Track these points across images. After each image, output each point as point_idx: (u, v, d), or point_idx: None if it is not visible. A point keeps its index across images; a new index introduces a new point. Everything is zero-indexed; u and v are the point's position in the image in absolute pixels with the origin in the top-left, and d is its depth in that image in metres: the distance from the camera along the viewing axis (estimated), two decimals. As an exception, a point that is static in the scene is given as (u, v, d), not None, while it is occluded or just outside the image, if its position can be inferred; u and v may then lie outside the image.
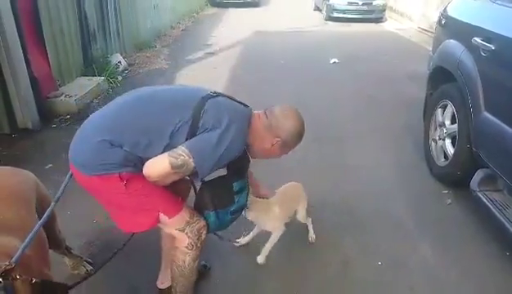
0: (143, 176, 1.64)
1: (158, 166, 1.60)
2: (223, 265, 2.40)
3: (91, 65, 5.75)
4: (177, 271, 1.87)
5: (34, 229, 1.48)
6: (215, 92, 1.79)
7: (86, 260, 2.33)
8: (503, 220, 2.32)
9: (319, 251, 2.52)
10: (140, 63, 7.11)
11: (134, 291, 2.22)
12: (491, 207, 2.45)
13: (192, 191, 2.00)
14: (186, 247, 1.79)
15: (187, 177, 1.82)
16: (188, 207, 1.82)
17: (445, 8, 3.59)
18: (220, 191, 1.86)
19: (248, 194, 2.03)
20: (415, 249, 2.56)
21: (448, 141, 3.17)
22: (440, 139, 3.28)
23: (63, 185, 1.75)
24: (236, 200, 1.91)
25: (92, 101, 5.04)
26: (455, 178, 3.07)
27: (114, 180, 1.59)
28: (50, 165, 3.48)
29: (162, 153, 1.61)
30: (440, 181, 3.24)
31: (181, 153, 1.58)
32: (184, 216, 1.76)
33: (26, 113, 4.15)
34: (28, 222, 1.50)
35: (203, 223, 1.82)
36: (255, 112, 1.85)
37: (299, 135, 1.85)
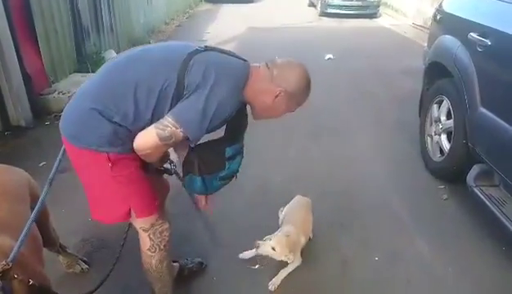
0: (130, 161, 1.59)
1: (146, 138, 1.52)
2: (220, 262, 2.38)
3: (84, 62, 5.68)
4: (148, 275, 1.85)
5: (27, 224, 1.45)
6: (206, 46, 1.63)
7: (81, 259, 2.31)
8: (499, 216, 2.32)
9: (316, 248, 2.51)
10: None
11: (128, 291, 2.21)
12: (487, 202, 2.45)
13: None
14: (149, 250, 1.77)
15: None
16: (158, 211, 1.76)
17: (440, 4, 3.59)
18: (210, 156, 1.73)
19: (241, 160, 1.85)
20: (411, 243, 2.56)
21: (444, 137, 3.17)
22: (436, 134, 3.28)
23: (57, 161, 1.68)
24: (227, 166, 1.77)
25: (85, 98, 4.99)
26: (451, 173, 3.07)
27: (101, 159, 1.54)
28: (43, 162, 3.44)
29: (151, 121, 1.53)
30: (436, 177, 3.24)
31: (168, 124, 1.49)
32: (152, 218, 1.72)
33: (19, 110, 4.11)
34: (22, 221, 1.47)
35: (166, 226, 1.78)
36: (254, 64, 1.67)
37: (306, 86, 1.67)
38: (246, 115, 1.78)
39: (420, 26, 10.24)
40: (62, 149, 1.68)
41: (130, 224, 1.92)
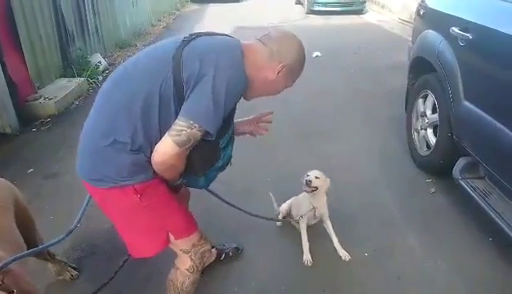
0: (157, 186, 1.54)
1: (164, 150, 1.42)
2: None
3: (70, 66, 5.66)
4: (172, 291, 1.80)
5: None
6: (191, 34, 1.55)
7: (70, 265, 2.29)
8: (485, 207, 2.35)
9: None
10: (120, 62, 7.00)
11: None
12: (473, 194, 2.48)
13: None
14: (187, 270, 1.73)
15: None
16: (199, 230, 1.73)
17: (423, -1, 3.61)
18: (207, 153, 1.64)
19: (233, 144, 1.81)
20: (400, 238, 2.58)
21: (430, 131, 3.20)
22: (422, 129, 3.31)
23: (81, 210, 1.74)
24: (222, 155, 1.72)
25: (72, 103, 4.97)
26: (437, 167, 3.10)
27: (128, 193, 1.49)
28: (31, 169, 3.41)
29: (160, 132, 1.44)
30: (423, 170, 3.27)
31: (182, 128, 1.39)
32: (192, 238, 1.69)
33: (4, 117, 4.08)
34: (5, 229, 1.46)
35: (208, 247, 1.75)
36: (245, 42, 1.62)
37: (303, 58, 1.65)
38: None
39: (407, 21, 10.30)
40: (88, 196, 1.70)
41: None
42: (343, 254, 2.41)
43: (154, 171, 1.49)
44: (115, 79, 1.56)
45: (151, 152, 1.46)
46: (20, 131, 4.22)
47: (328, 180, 2.42)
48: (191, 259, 1.70)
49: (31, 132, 4.25)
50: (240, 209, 2.26)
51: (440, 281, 2.26)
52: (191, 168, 1.63)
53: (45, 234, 2.16)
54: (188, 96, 1.42)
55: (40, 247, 1.68)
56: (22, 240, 1.63)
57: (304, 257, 2.38)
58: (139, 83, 1.46)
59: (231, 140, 1.77)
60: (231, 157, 1.81)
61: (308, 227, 2.47)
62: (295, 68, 1.63)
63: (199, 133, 1.42)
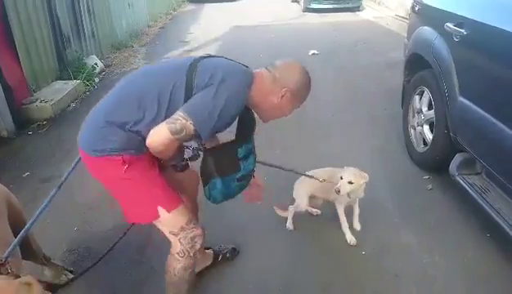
0: (144, 163, 1.66)
1: (158, 133, 1.57)
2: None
3: (66, 69, 5.63)
4: (167, 278, 1.83)
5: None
6: (209, 54, 1.77)
7: (66, 269, 2.28)
8: (482, 203, 2.35)
9: (301, 242, 2.53)
10: (117, 63, 7.01)
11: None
12: (470, 190, 2.48)
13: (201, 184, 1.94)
14: (178, 254, 1.75)
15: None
16: (188, 213, 1.77)
17: (418, -5, 3.61)
18: (224, 157, 1.81)
19: (255, 159, 1.97)
20: (398, 236, 2.58)
21: (426, 127, 3.20)
22: (418, 125, 3.30)
23: (71, 168, 1.81)
24: (242, 167, 1.86)
25: (68, 105, 4.95)
26: (434, 163, 3.10)
27: (116, 163, 1.60)
28: (27, 173, 3.41)
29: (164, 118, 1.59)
30: (420, 167, 3.27)
31: (178, 118, 1.55)
32: (180, 219, 1.72)
33: (0, 121, 4.06)
34: (-1, 233, 1.47)
35: (198, 232, 1.76)
36: (257, 70, 1.78)
37: (307, 83, 1.78)
38: (254, 117, 1.88)
39: (403, 18, 10.27)
40: (77, 158, 1.79)
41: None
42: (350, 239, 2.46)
43: (145, 148, 1.62)
44: (142, 72, 1.80)
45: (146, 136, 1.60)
46: (17, 135, 4.21)
47: (365, 175, 2.35)
48: (181, 243, 1.73)
49: (27, 135, 4.24)
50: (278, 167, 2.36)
51: (438, 277, 2.26)
52: (206, 168, 1.81)
53: (42, 238, 2.17)
54: (193, 96, 1.60)
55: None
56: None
57: (348, 238, 2.47)
58: (160, 79, 1.66)
59: (251, 154, 1.92)
60: (252, 170, 1.96)
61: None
62: (299, 91, 1.77)
63: (192, 127, 1.56)
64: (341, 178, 2.28)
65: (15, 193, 2.05)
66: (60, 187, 1.81)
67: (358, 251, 2.45)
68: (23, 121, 4.38)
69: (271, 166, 2.30)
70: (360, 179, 2.31)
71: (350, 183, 2.26)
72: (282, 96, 1.73)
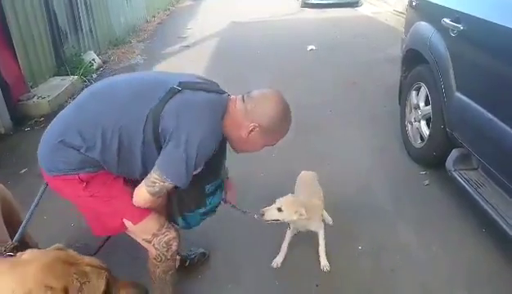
0: (104, 177, 1.60)
1: (140, 196, 1.58)
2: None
3: (63, 65, 5.62)
4: (152, 281, 1.84)
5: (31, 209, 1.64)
6: (180, 84, 1.59)
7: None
8: (478, 198, 2.35)
9: (298, 239, 2.52)
10: (115, 59, 7.00)
11: None
12: (466, 185, 2.48)
13: None
14: (155, 259, 1.75)
15: None
16: (158, 218, 1.72)
17: (415, -10, 3.59)
18: (189, 195, 1.74)
19: (222, 192, 1.89)
20: (394, 231, 2.59)
21: (423, 123, 3.20)
22: (415, 121, 3.30)
23: (39, 194, 1.73)
24: (208, 202, 1.81)
25: (66, 101, 4.93)
26: (431, 159, 3.10)
27: (73, 182, 1.56)
28: (25, 169, 3.41)
29: (118, 156, 1.55)
30: (417, 163, 3.27)
31: (155, 180, 1.53)
32: (150, 226, 1.69)
33: (-3, 117, 4.06)
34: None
35: (172, 235, 1.74)
36: (233, 96, 1.66)
37: (282, 120, 1.62)
38: (225, 149, 1.78)
39: (402, 13, 10.23)
40: (45, 183, 1.72)
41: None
42: (324, 264, 2.26)
43: (101, 166, 1.56)
44: (96, 93, 1.67)
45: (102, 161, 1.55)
46: (14, 131, 4.21)
47: (303, 211, 2.03)
48: (156, 248, 1.72)
49: (24, 132, 4.23)
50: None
51: (434, 273, 2.26)
52: (169, 206, 1.77)
53: (39, 234, 2.16)
54: (164, 149, 1.52)
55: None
56: (8, 237, 1.63)
57: (275, 259, 2.30)
58: (120, 110, 1.55)
59: (219, 188, 1.85)
60: (217, 205, 1.88)
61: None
62: (272, 129, 1.62)
63: (171, 185, 1.56)
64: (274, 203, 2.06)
65: (12, 189, 2.05)
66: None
67: (355, 247, 2.45)
68: (20, 117, 4.38)
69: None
70: (293, 209, 2.02)
71: (279, 210, 2.02)
72: (251, 131, 1.60)
